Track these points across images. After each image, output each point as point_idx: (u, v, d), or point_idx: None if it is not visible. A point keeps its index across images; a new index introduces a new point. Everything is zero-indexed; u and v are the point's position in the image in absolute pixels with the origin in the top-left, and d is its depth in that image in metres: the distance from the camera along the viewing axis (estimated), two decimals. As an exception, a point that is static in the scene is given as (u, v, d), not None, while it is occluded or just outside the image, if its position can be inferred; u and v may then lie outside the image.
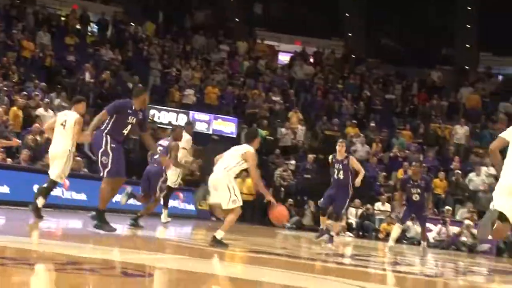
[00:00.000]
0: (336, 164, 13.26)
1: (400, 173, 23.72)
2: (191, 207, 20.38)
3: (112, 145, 9.33)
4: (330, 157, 13.45)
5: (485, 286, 9.52)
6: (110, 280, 5.26)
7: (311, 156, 24.44)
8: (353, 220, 22.01)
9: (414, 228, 21.02)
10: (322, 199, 13.77)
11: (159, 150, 12.06)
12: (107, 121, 9.42)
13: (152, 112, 24.23)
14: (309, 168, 24.23)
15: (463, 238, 19.63)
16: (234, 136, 25.35)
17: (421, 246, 14.36)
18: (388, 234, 21.39)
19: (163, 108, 24.79)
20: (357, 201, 22.37)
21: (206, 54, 30.01)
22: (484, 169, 22.62)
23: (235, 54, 30.58)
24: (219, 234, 9.17)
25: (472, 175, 22.21)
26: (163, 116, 24.52)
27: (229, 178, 9.17)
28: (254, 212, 22.93)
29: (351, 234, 21.43)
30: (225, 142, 25.25)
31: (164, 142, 12.82)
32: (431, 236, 20.92)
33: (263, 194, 9.50)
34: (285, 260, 9.49)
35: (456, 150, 24.84)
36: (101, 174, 9.38)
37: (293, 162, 24.47)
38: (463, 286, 8.95)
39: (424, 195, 13.60)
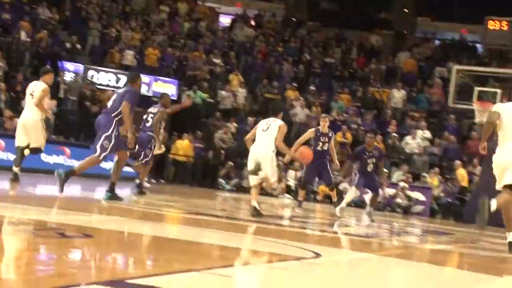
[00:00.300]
0: (321, 137, 14.09)
1: (338, 137, 23.99)
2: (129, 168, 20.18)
3: (116, 133, 9.77)
4: (313, 130, 14.31)
5: (418, 246, 9.76)
6: (46, 241, 5.19)
7: (251, 119, 24.45)
8: (292, 183, 22.21)
9: (352, 190, 21.31)
10: (304, 174, 14.78)
11: (150, 117, 12.85)
12: (119, 108, 9.71)
13: (90, 73, 23.81)
14: (249, 131, 24.24)
15: (398, 200, 20.05)
16: (175, 98, 25.14)
17: (367, 210, 14.63)
18: (326, 196, 21.73)
19: (102, 69, 24.36)
20: (296, 163, 22.54)
21: (146, 15, 29.56)
22: (419, 132, 23.06)
23: (176, 16, 30.21)
24: (255, 203, 10.23)
25: (408, 139, 22.61)
26: (102, 77, 24.10)
27: (274, 155, 10.20)
28: (194, 174, 22.94)
29: (289, 196, 21.64)
30: (165, 104, 25.08)
31: (153, 109, 13.14)
32: (367, 198, 21.30)
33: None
34: (224, 222, 9.54)
35: (393, 113, 25.20)
36: (96, 155, 9.75)
37: (233, 124, 24.46)
38: (397, 247, 9.16)
39: (377, 165, 13.96)
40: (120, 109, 9.73)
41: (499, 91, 19.71)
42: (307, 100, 25.77)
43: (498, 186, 7.87)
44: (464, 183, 21.01)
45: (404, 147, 22.63)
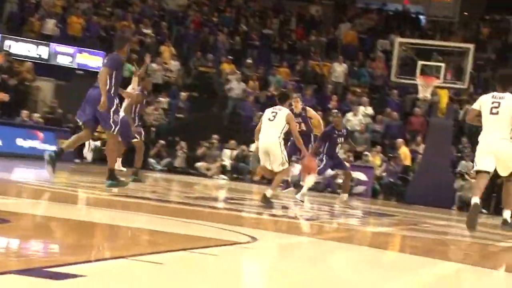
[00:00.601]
0: (295, 118, 14.11)
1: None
2: (51, 147, 19.90)
3: (118, 102, 10.07)
4: None
5: (359, 229, 9.91)
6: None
7: (184, 94, 24.35)
8: (227, 162, 22.24)
9: (291, 171, 21.45)
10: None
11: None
12: (109, 80, 9.76)
13: (8, 42, 23.25)
14: (182, 107, 24.19)
15: (339, 180, 20.27)
16: (101, 71, 24.83)
17: (341, 197, 14.80)
18: (263, 177, 21.82)
19: (20, 38, 23.82)
20: (232, 142, 22.60)
21: (69, -20, 28.97)
22: (361, 108, 23.36)
23: (102, -19, 29.72)
24: (269, 193, 10.51)
25: (349, 115, 22.87)
26: (20, 47, 23.57)
27: (281, 144, 10.66)
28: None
29: (225, 177, 21.68)
30: (90, 77, 24.70)
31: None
32: (309, 180, 21.48)
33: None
34: (155, 204, 9.49)
35: (334, 88, 25.44)
36: (112, 131, 9.85)
37: (164, 100, 24.30)
38: (337, 230, 9.28)
39: (341, 145, 14.22)
40: (109, 81, 9.78)
41: (443, 65, 20.08)
42: (244, 74, 25.77)
43: (482, 165, 9.08)
44: (407, 162, 21.42)
45: (345, 124, 22.89)
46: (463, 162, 20.99)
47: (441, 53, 21.41)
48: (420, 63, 20.01)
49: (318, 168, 14.04)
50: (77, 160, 18.94)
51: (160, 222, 7.03)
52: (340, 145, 14.15)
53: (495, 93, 8.95)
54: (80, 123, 10.18)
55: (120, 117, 12.45)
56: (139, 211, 8.14)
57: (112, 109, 9.81)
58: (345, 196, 14.16)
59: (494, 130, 8.78)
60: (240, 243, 5.72)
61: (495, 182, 20.02)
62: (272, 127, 10.65)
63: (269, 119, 10.75)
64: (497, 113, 8.77)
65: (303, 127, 14.03)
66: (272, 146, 10.61)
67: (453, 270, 5.82)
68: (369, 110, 23.44)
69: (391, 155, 21.44)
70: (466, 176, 19.81)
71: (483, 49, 26.29)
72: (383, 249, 7.15)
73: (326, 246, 6.78)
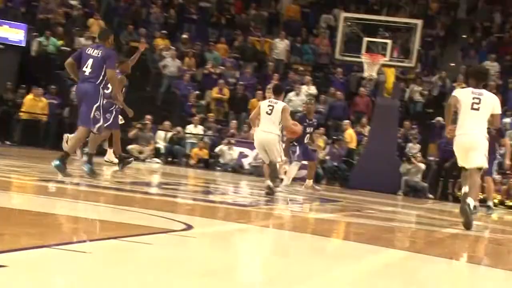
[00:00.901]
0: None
1: (215, 92, 24.08)
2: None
3: (103, 101, 10.38)
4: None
5: (301, 215, 10.02)
6: None
7: (114, 71, 24.07)
8: (161, 145, 22.16)
9: (230, 154, 21.57)
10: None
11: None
12: (102, 74, 10.21)
13: None
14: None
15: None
16: (23, 45, 24.39)
17: (306, 184, 14.99)
18: (200, 161, 21.84)
19: None
20: (166, 123, 22.51)
21: None
22: (304, 88, 23.48)
23: None
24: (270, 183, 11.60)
25: (291, 95, 22.95)
26: None
27: (278, 137, 11.74)
28: (46, 135, 22.43)
29: (158, 160, 21.61)
30: (12, 51, 24.29)
31: (93, 51, 12.63)
32: (246, 162, 21.60)
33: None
34: (82, 190, 9.42)
35: (275, 66, 25.51)
36: (92, 129, 10.24)
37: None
38: (277, 216, 9.36)
39: (311, 134, 14.39)
40: (102, 75, 10.18)
41: (389, 42, 20.32)
42: (179, 50, 25.64)
43: (461, 164, 9.45)
44: (352, 145, 21.65)
45: (287, 104, 22.99)
46: (410, 144, 21.35)
47: (388, 29, 21.66)
48: (366, 39, 20.21)
49: (296, 155, 14.46)
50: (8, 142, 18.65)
51: (89, 209, 6.99)
52: (309, 134, 14.34)
53: (473, 89, 9.37)
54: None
55: (113, 106, 12.67)
56: (66, 197, 8.07)
57: (96, 105, 10.14)
58: (310, 182, 14.81)
59: (474, 125, 9.22)
60: (175, 230, 5.73)
61: (442, 167, 20.48)
62: (271, 124, 11.62)
63: (266, 112, 11.63)
64: (478, 109, 9.21)
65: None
66: (271, 142, 11.61)
67: (397, 258, 5.94)
68: (312, 90, 23.60)
69: (335, 137, 21.62)
70: (413, 160, 20.16)
71: (431, 25, 26.69)
72: (326, 237, 7.25)
73: (266, 233, 6.84)
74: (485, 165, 9.31)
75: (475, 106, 9.20)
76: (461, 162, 9.42)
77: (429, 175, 20.76)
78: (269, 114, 11.61)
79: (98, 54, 10.26)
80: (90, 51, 10.39)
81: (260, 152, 12.01)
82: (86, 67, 10.24)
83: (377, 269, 5.19)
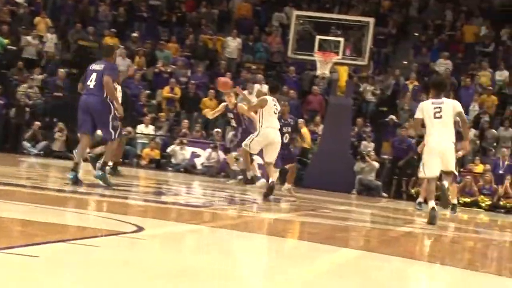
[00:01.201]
0: (228, 113, 15.44)
1: (166, 91, 23.99)
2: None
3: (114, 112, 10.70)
4: (224, 104, 15.48)
5: (255, 216, 10.01)
6: None
7: (62, 71, 23.86)
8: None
9: (182, 154, 21.50)
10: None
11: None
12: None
13: None
14: (60, 85, 23.69)
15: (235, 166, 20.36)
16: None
17: (285, 187, 14.91)
18: (151, 161, 21.72)
19: None
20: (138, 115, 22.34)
21: None
22: (256, 87, 23.48)
23: None
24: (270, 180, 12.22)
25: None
26: None
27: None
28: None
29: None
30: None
31: (96, 66, 12.02)
32: (199, 162, 21.54)
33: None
34: (29, 192, 9.30)
35: (227, 65, 25.50)
36: (112, 138, 10.65)
37: (40, 77, 23.75)
38: (231, 217, 9.34)
39: (292, 135, 14.37)
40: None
41: (342, 40, 20.44)
42: (129, 49, 25.48)
43: (431, 172, 10.10)
44: (306, 144, 21.70)
45: (239, 103, 22.98)
46: (364, 142, 21.50)
47: (340, 28, 21.78)
48: (318, 38, 20.30)
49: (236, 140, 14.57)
50: None
51: (36, 211, 6.89)
52: (287, 134, 14.31)
53: (433, 99, 10.19)
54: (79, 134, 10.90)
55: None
56: (11, 199, 7.95)
57: (111, 115, 10.53)
58: (288, 186, 14.82)
59: (441, 133, 10.04)
60: (125, 232, 5.68)
61: (396, 165, 20.68)
62: (277, 120, 12.16)
63: (274, 112, 12.04)
64: (440, 117, 10.01)
65: (234, 123, 15.40)
66: (278, 143, 12.16)
67: (351, 257, 5.97)
68: (265, 88, 23.61)
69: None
70: (367, 158, 20.31)
71: (383, 23, 26.91)
72: (280, 237, 7.25)
73: (219, 234, 6.81)
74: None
75: (437, 115, 10.00)
76: (435, 169, 10.08)
77: (382, 174, 20.94)
78: (276, 113, 12.13)
79: (101, 67, 10.61)
80: (94, 66, 10.79)
81: (260, 147, 12.20)
82: (90, 81, 10.57)
83: (331, 269, 5.20)
